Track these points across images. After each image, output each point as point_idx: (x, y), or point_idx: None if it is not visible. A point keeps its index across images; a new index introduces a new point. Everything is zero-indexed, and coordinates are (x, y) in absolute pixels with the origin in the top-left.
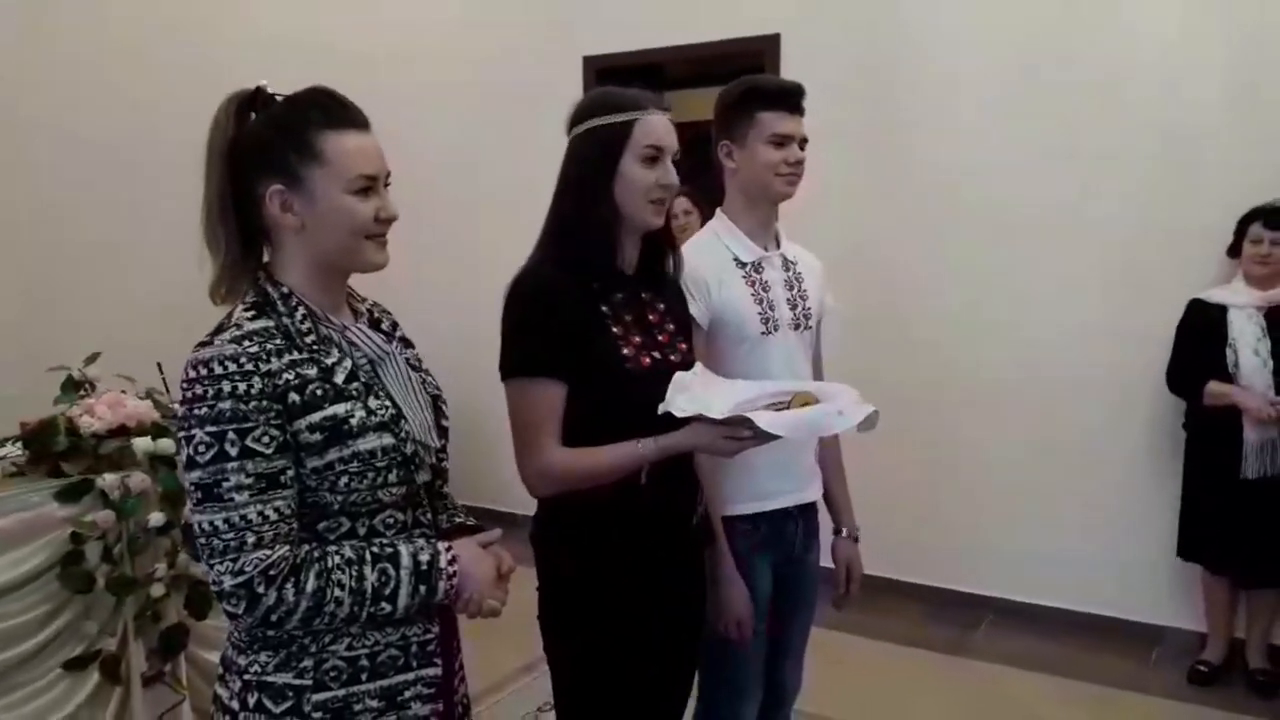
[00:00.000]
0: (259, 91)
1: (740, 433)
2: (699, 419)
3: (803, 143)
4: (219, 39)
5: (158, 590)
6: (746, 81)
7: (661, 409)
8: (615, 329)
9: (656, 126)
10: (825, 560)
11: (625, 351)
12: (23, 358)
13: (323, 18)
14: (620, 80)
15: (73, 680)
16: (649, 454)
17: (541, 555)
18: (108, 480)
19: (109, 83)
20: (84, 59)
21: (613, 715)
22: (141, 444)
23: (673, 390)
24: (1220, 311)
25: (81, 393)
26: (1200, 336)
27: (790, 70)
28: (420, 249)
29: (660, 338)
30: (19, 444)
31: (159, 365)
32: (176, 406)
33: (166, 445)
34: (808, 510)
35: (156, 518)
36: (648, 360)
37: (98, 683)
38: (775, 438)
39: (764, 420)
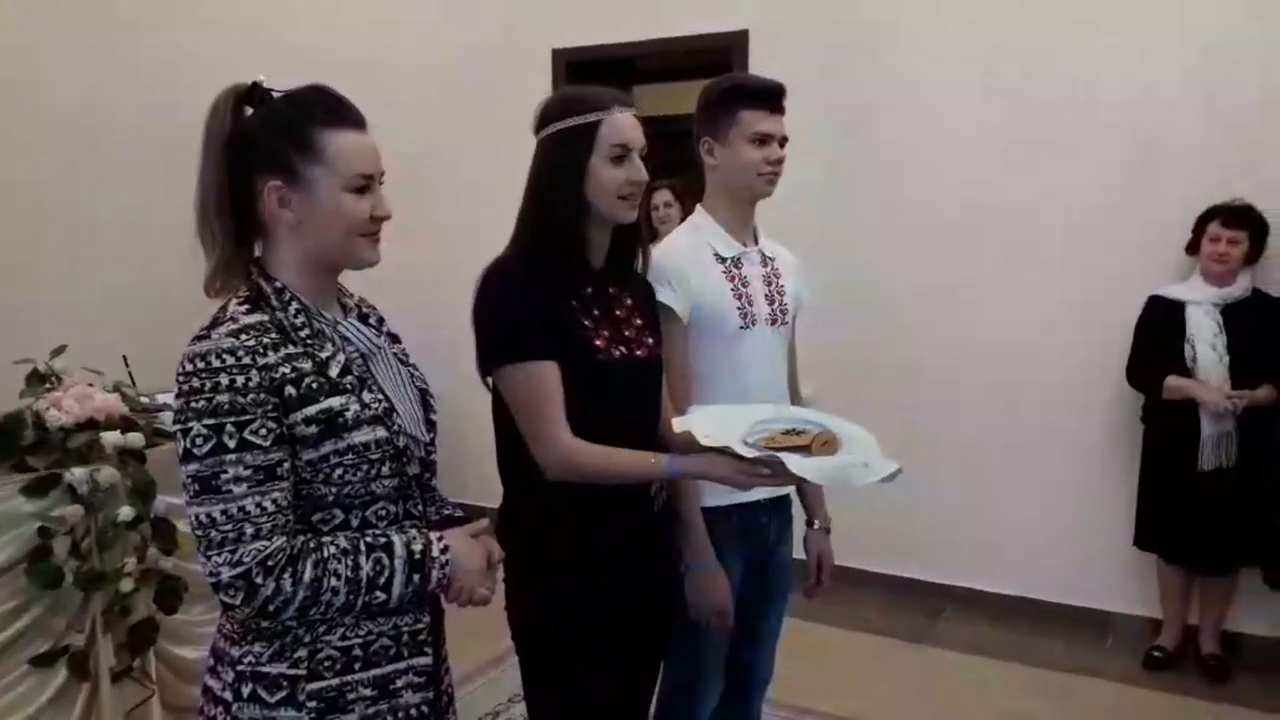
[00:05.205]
0: (256, 86)
1: (760, 470)
2: (721, 451)
3: (783, 141)
4: (189, 34)
5: (127, 585)
6: (729, 79)
7: (678, 427)
8: (585, 321)
9: (622, 125)
10: (797, 552)
11: (597, 343)
12: None
13: (292, 12)
14: (589, 74)
15: (40, 676)
16: (663, 472)
17: (507, 546)
18: (76, 475)
19: (76, 78)
20: (48, 54)
21: (581, 703)
22: (110, 438)
23: (691, 413)
24: (1178, 307)
25: (48, 386)
26: (1159, 332)
27: (758, 66)
28: (390, 243)
29: (627, 332)
30: None
31: (124, 358)
32: (143, 399)
33: (136, 439)
34: (780, 503)
35: (126, 512)
36: (618, 353)
37: (66, 678)
38: (796, 479)
39: (794, 464)
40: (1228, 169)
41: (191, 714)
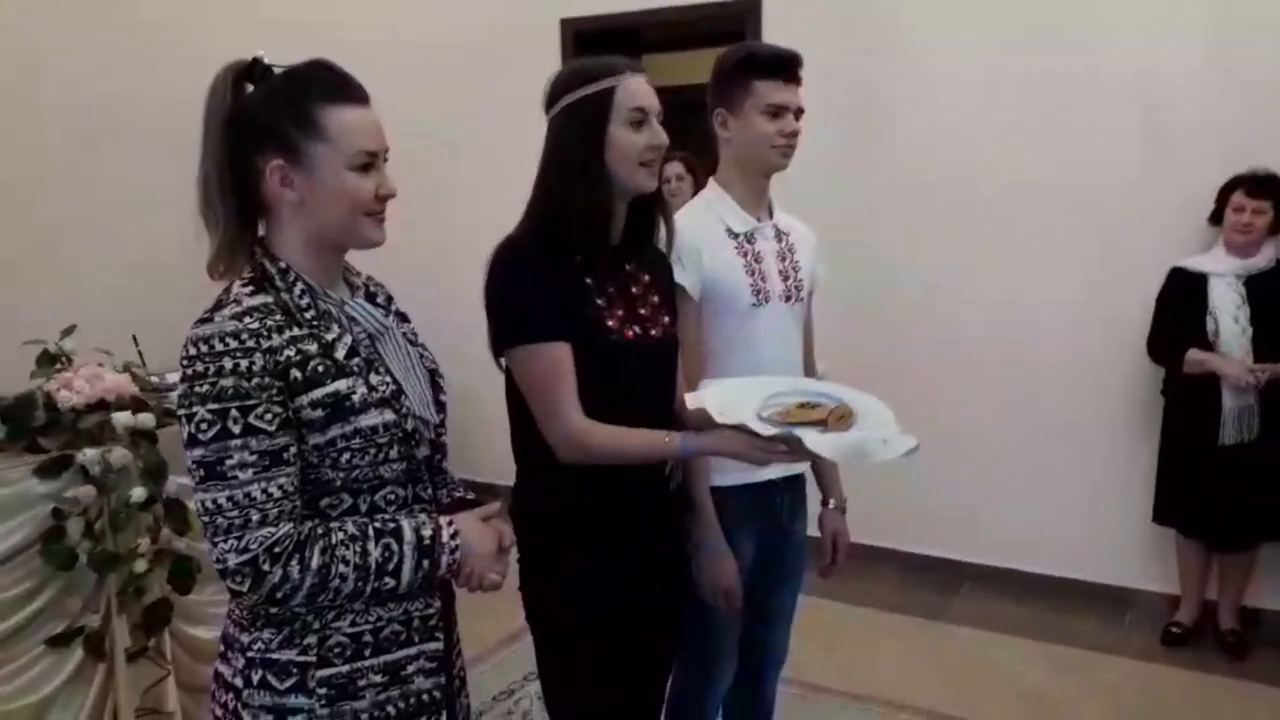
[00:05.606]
0: (256, 62)
1: (776, 447)
2: (737, 428)
3: (799, 113)
4: (194, 14)
5: (141, 566)
6: (742, 48)
7: (692, 403)
8: (599, 300)
9: (638, 89)
10: (812, 530)
11: (610, 323)
12: None
13: None
14: (598, 43)
15: (56, 657)
16: (676, 450)
17: (521, 527)
18: (88, 455)
19: (83, 60)
20: (59, 36)
21: (596, 684)
22: (122, 418)
23: (704, 389)
24: (1200, 279)
25: (58, 367)
26: (1181, 304)
27: (770, 36)
28: (396, 219)
29: (643, 310)
30: None
31: (134, 338)
32: (153, 378)
33: (147, 420)
34: (794, 482)
35: (138, 493)
36: (631, 333)
37: (81, 659)
38: (812, 455)
39: (810, 441)
40: (1247, 146)
41: (206, 693)
